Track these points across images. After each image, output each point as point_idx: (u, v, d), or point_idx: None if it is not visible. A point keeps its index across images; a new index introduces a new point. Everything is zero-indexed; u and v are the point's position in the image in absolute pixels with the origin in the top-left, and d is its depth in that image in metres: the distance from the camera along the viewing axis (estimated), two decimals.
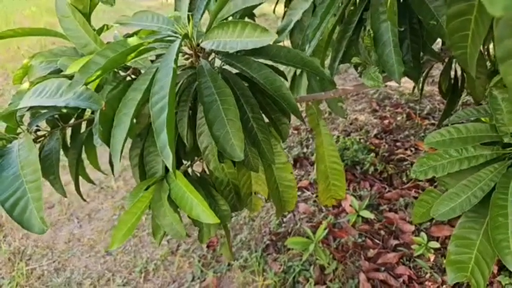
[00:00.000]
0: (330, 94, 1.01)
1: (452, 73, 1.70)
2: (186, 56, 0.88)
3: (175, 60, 0.65)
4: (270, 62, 0.85)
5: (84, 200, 1.47)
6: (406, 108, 3.58)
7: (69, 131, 1.24)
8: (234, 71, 0.87)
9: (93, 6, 1.03)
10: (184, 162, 1.09)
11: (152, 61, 0.95)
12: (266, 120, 0.93)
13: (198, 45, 0.85)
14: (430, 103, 3.61)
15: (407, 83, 4.01)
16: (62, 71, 1.04)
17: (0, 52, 5.66)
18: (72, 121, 1.13)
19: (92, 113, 1.16)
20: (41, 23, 6.62)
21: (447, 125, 1.04)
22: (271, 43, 0.70)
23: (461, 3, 0.55)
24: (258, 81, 0.80)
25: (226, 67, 0.89)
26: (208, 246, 2.45)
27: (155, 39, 0.78)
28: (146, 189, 0.92)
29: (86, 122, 1.18)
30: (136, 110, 0.72)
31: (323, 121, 1.03)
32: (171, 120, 0.60)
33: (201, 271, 2.29)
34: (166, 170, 0.96)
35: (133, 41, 0.72)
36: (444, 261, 2.16)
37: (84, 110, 1.16)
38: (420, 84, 1.56)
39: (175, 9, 0.96)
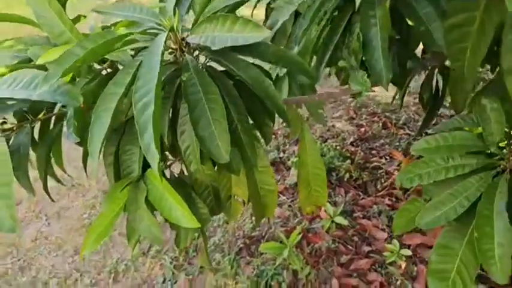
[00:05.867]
0: (315, 97, 1.00)
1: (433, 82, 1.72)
2: (170, 50, 0.84)
3: (162, 54, 0.62)
4: (256, 61, 0.82)
5: (52, 200, 1.40)
6: (382, 117, 3.63)
7: (37, 126, 1.17)
8: (220, 68, 0.84)
9: None
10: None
11: (132, 56, 0.91)
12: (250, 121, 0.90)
13: (183, 39, 0.82)
14: (405, 113, 3.68)
15: (383, 92, 4.08)
16: (31, 60, 0.97)
17: None
18: (41, 115, 1.06)
19: (63, 106, 1.10)
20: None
21: (427, 134, 1.04)
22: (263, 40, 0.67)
23: (461, 14, 0.54)
24: (244, 81, 0.78)
25: (211, 64, 0.86)
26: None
27: (141, 30, 0.74)
28: (121, 190, 0.88)
29: (55, 116, 1.11)
30: (117, 105, 0.68)
31: (307, 125, 1.02)
32: (157, 118, 0.57)
33: (173, 273, 2.25)
34: (143, 169, 0.92)
35: (119, 31, 0.68)
36: (415, 269, 2.20)
37: (55, 103, 1.10)
38: (401, 93, 1.56)
39: (160, 1, 0.92)
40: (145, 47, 0.75)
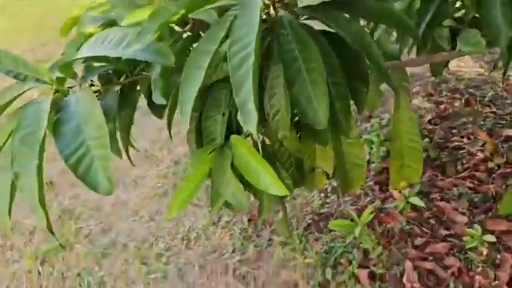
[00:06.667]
0: (423, 60, 0.90)
1: None
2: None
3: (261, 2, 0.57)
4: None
5: (133, 165, 1.46)
6: (464, 94, 3.35)
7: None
8: (315, 27, 0.78)
9: None
10: None
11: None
12: None
13: None
14: (492, 90, 3.36)
15: (466, 67, 3.76)
16: (115, 23, 0.97)
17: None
18: (122, 79, 1.06)
19: (142, 70, 1.08)
20: None
21: None
22: None
23: None
24: (344, 38, 0.71)
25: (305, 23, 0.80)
26: (249, 220, 2.44)
27: None
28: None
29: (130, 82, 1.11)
30: (210, 64, 0.65)
31: (404, 93, 0.94)
32: (255, 72, 0.52)
33: (242, 244, 2.29)
34: (226, 136, 0.91)
35: None
36: (498, 257, 2.04)
37: (137, 66, 1.10)
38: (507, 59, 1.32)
39: None
40: (234, 5, 0.71)
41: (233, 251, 2.25)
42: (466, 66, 3.79)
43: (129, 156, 1.37)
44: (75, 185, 2.91)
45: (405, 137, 0.93)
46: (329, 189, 2.59)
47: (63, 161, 0.71)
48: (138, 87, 1.06)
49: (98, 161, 0.69)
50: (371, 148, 2.68)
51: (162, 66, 0.72)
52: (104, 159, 0.69)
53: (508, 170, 2.47)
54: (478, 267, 2.00)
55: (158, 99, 0.76)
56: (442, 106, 3.24)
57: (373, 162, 2.67)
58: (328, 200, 2.55)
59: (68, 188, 2.91)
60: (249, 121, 0.53)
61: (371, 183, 2.58)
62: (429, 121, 3.08)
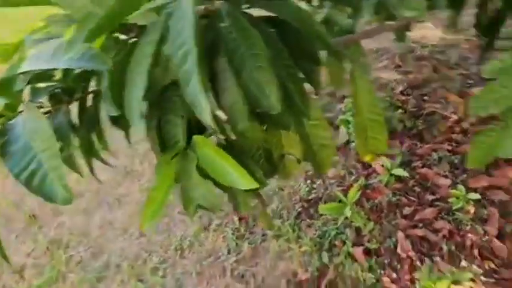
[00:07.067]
0: (374, 30, 0.90)
1: None
2: None
3: None
4: None
5: (99, 181, 1.40)
6: (431, 60, 3.40)
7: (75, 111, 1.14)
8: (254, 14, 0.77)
9: None
10: None
11: None
12: None
13: None
14: (456, 52, 3.42)
15: (429, 35, 3.82)
16: None
17: None
18: (78, 95, 1.03)
19: (98, 84, 1.06)
20: None
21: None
22: None
23: None
24: (284, 21, 0.70)
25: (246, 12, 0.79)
26: (240, 219, 2.43)
27: None
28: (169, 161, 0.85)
29: (92, 96, 1.09)
30: (153, 66, 0.64)
31: (360, 66, 0.93)
32: (200, 63, 0.51)
33: (236, 244, 2.28)
34: (188, 138, 0.89)
35: None
36: (485, 212, 2.08)
37: (89, 82, 1.07)
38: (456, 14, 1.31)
39: None
40: (167, 3, 0.69)
41: (228, 252, 2.24)
42: (428, 33, 3.85)
43: (92, 173, 1.31)
44: (59, 213, 2.85)
45: (365, 110, 0.93)
46: (314, 175, 2.60)
47: (15, 179, 0.69)
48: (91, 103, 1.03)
49: (51, 172, 0.67)
50: (348, 128, 2.69)
51: (109, 77, 0.70)
52: (58, 168, 0.67)
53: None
54: (467, 225, 2.04)
55: (110, 110, 0.74)
56: (412, 76, 3.28)
57: (352, 142, 2.68)
58: (314, 186, 2.56)
59: (51, 218, 2.84)
60: (202, 111, 0.51)
61: (353, 162, 2.60)
62: (401, 92, 3.12)
